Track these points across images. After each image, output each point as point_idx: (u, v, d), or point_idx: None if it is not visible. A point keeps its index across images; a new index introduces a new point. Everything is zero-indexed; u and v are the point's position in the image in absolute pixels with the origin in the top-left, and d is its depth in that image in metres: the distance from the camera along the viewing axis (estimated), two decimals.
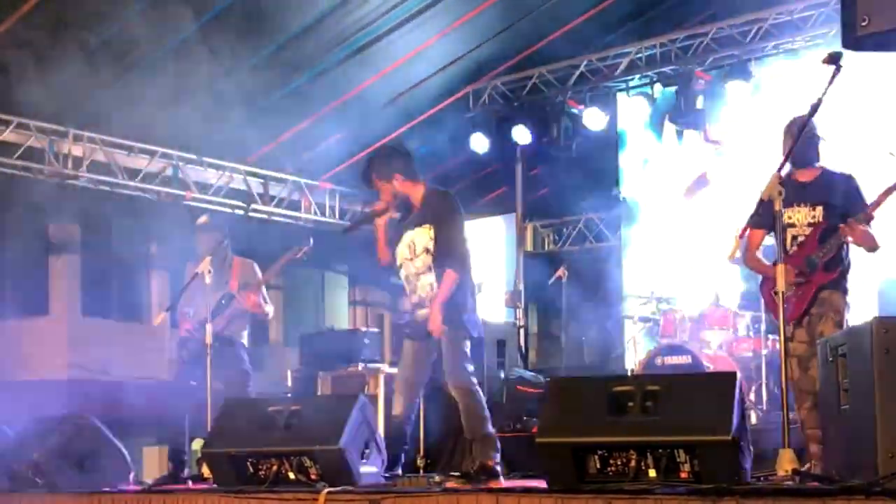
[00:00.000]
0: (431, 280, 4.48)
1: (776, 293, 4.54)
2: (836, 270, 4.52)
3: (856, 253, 4.63)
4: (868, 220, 4.47)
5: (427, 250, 4.47)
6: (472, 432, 4.46)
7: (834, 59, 3.78)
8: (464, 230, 4.54)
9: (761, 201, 4.41)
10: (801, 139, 4.39)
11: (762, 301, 6.32)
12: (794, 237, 4.61)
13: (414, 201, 4.54)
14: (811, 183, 4.61)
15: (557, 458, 3.46)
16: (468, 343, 4.50)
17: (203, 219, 5.81)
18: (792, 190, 4.62)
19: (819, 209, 4.55)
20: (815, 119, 4.13)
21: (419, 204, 4.53)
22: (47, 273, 9.88)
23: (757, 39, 7.96)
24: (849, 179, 4.64)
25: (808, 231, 4.56)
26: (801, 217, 4.59)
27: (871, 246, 4.53)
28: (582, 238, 10.72)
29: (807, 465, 4.21)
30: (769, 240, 4.74)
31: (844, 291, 4.55)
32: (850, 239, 4.46)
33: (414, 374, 4.62)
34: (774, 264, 4.60)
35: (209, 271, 5.19)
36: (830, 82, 3.80)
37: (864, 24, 3.44)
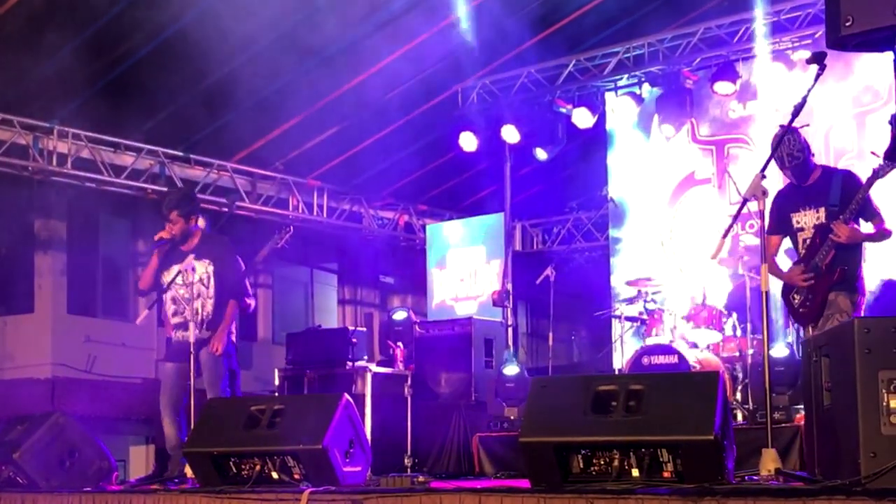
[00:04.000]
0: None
1: (792, 296, 4.59)
2: (836, 271, 4.52)
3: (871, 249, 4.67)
4: (864, 215, 4.47)
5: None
6: None
7: (818, 58, 3.78)
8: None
9: (771, 210, 4.46)
10: (792, 157, 4.45)
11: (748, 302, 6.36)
12: (804, 240, 4.64)
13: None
14: (812, 185, 4.66)
15: (540, 457, 3.46)
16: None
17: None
18: (797, 195, 4.67)
19: (822, 211, 4.59)
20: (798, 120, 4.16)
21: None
22: (33, 270, 9.81)
23: (744, 39, 7.98)
24: (845, 177, 4.67)
25: (813, 234, 4.60)
26: (809, 220, 4.66)
27: (865, 240, 4.56)
28: (570, 237, 10.73)
29: None
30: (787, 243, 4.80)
31: (852, 291, 4.56)
32: (839, 239, 4.47)
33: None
34: (790, 269, 4.64)
35: (192, 269, 5.17)
36: (814, 82, 3.80)
37: (847, 24, 3.46)
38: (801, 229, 4.67)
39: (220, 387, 5.28)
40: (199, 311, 5.29)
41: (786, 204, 4.72)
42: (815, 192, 4.63)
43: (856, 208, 4.47)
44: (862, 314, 4.51)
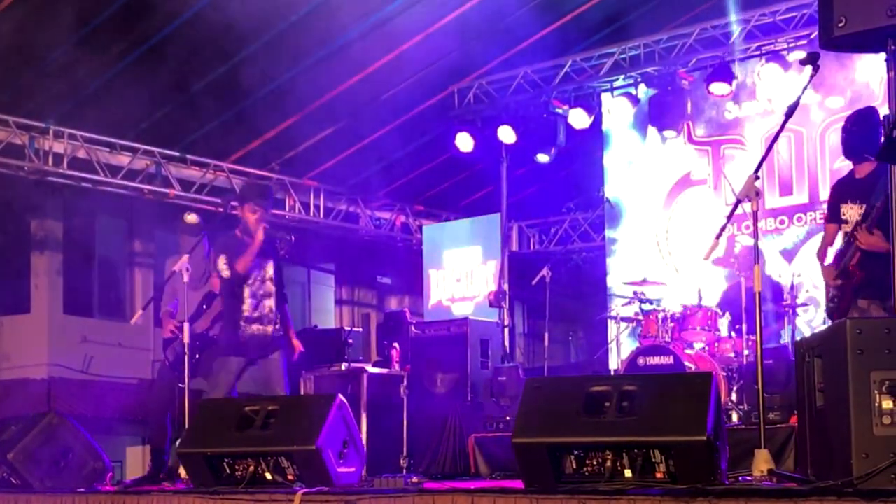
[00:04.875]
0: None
1: (828, 293, 4.51)
2: (858, 276, 4.44)
3: None
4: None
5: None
6: None
7: (812, 59, 3.78)
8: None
9: (829, 198, 4.33)
10: (859, 131, 4.36)
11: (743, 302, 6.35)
12: (846, 234, 4.57)
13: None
14: (863, 179, 4.56)
15: (533, 458, 3.46)
16: None
17: (192, 217, 5.82)
18: (848, 186, 4.60)
19: (864, 207, 4.49)
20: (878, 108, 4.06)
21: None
22: (29, 271, 9.80)
23: (740, 40, 7.98)
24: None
25: (851, 230, 4.52)
26: (853, 214, 4.56)
27: (882, 250, 4.23)
28: (567, 238, 10.74)
29: None
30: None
31: (884, 299, 4.25)
32: (861, 244, 4.40)
33: None
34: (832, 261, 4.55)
35: (187, 269, 5.17)
36: (808, 82, 3.80)
37: (840, 24, 3.46)
38: (846, 222, 4.58)
39: (284, 384, 5.30)
40: (273, 308, 5.32)
41: (839, 193, 4.67)
42: (864, 186, 4.52)
43: (876, 216, 4.34)
44: None
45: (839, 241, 4.74)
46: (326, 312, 11.86)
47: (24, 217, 9.63)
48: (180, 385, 5.41)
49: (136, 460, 10.01)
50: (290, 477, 4.09)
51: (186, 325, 5.19)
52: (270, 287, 5.36)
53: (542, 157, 8.86)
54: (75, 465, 4.89)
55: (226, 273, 5.23)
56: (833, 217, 4.69)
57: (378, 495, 3.67)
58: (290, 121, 9.25)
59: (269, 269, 5.37)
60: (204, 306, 5.68)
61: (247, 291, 5.27)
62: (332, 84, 8.86)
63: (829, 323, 4.64)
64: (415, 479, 4.34)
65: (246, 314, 5.28)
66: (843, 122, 4.60)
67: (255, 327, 5.27)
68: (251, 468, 4.12)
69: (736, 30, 7.86)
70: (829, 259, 4.74)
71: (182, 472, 4.58)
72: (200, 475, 4.25)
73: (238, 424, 4.22)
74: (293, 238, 5.89)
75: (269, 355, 5.30)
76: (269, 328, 5.30)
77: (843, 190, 4.68)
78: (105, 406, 9.18)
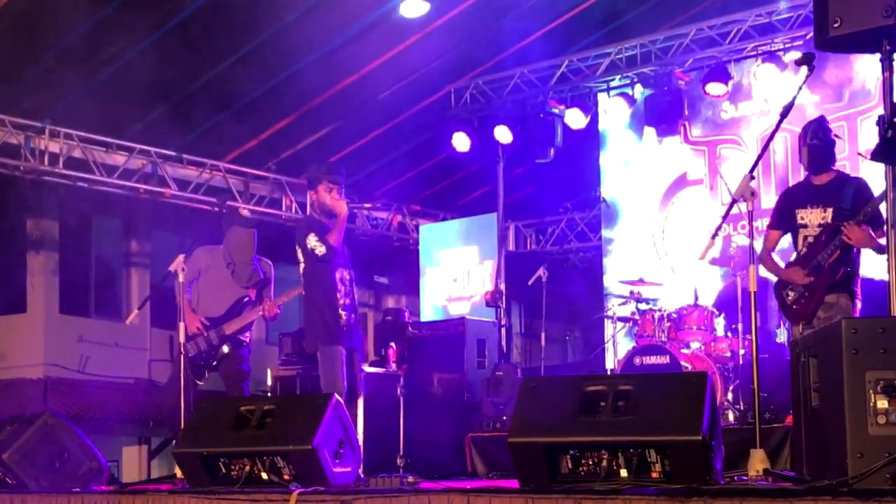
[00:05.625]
0: None
1: (785, 292, 4.59)
2: (839, 272, 4.52)
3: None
4: (877, 221, 4.45)
5: None
6: None
7: (807, 59, 3.79)
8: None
9: (777, 205, 4.45)
10: (821, 142, 4.46)
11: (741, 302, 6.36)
12: (805, 238, 4.64)
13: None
14: (825, 185, 4.66)
15: (529, 457, 3.46)
16: None
17: (244, 211, 5.79)
18: (806, 192, 4.69)
19: (829, 211, 4.59)
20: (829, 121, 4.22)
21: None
22: (25, 270, 9.79)
23: (736, 41, 7.99)
24: (861, 184, 4.68)
25: (818, 232, 4.60)
26: (813, 218, 4.65)
27: (875, 247, 4.54)
28: (564, 238, 10.75)
29: None
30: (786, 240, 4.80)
31: (852, 294, 4.58)
32: (850, 240, 4.47)
33: None
34: (788, 266, 4.65)
35: (182, 269, 5.15)
36: (804, 83, 3.81)
37: (836, 25, 3.47)
38: (805, 226, 4.65)
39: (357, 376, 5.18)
40: (355, 295, 5.15)
41: (793, 199, 4.73)
42: (827, 192, 4.62)
43: (870, 212, 4.46)
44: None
45: (785, 244, 4.85)
46: None
47: (20, 217, 9.64)
48: (199, 383, 5.41)
49: (133, 460, 10.01)
50: (286, 477, 4.08)
51: (181, 325, 5.17)
52: (350, 273, 5.17)
53: (544, 160, 8.87)
54: (71, 465, 4.88)
55: (320, 249, 4.96)
56: (780, 223, 4.73)
57: (374, 495, 3.67)
58: (286, 120, 9.26)
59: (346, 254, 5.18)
60: (244, 303, 5.53)
61: (336, 276, 5.04)
62: (328, 84, 8.86)
63: (788, 325, 4.71)
64: (411, 479, 4.33)
65: (341, 301, 5.05)
66: (803, 134, 4.62)
67: (352, 316, 5.08)
68: (247, 468, 4.11)
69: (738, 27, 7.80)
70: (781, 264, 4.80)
71: (178, 471, 4.58)
72: (196, 475, 4.24)
73: (234, 424, 4.22)
74: None
75: (357, 345, 5.15)
76: (354, 316, 5.11)
77: (800, 196, 4.75)
78: (101, 406, 9.17)
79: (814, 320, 4.59)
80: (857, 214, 4.49)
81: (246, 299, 5.59)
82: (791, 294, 4.67)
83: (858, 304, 4.63)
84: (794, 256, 4.75)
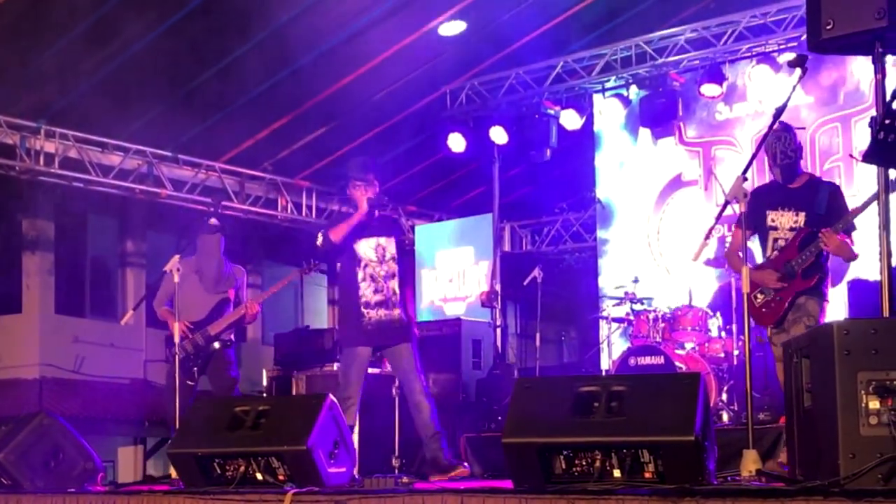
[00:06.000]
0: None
1: (755, 295, 4.62)
2: (815, 277, 4.56)
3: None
4: (848, 229, 4.50)
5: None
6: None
7: (800, 61, 3.81)
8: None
9: (750, 205, 4.46)
10: (784, 155, 4.48)
11: (734, 302, 6.39)
12: (776, 240, 4.65)
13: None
14: (797, 189, 4.66)
15: (523, 458, 3.47)
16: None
17: (212, 220, 5.88)
18: (778, 194, 4.69)
19: (802, 215, 4.59)
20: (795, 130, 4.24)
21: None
22: (20, 270, 9.78)
23: (731, 42, 8.01)
24: (833, 190, 4.70)
25: (789, 236, 4.61)
26: (785, 221, 4.65)
27: (848, 256, 4.58)
28: (559, 238, 10.77)
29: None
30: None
31: (821, 297, 4.60)
32: (827, 247, 4.49)
33: None
34: (757, 268, 4.67)
35: (177, 269, 5.18)
36: (796, 85, 3.83)
37: (828, 27, 3.48)
38: (775, 228, 4.65)
39: (419, 374, 5.01)
40: (396, 290, 4.93)
41: (763, 201, 4.70)
42: (799, 196, 4.64)
43: (850, 220, 4.48)
44: (825, 320, 4.53)
45: (754, 246, 4.84)
46: (319, 312, 11.86)
47: (15, 217, 9.62)
48: (189, 383, 5.48)
49: (128, 461, 10.00)
50: (280, 477, 4.08)
51: (177, 325, 5.19)
52: (393, 266, 4.95)
53: (539, 160, 8.89)
54: (66, 465, 4.88)
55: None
56: (748, 223, 4.69)
57: (368, 495, 3.67)
58: (281, 121, 9.25)
59: (391, 248, 4.98)
60: (221, 305, 5.69)
61: (360, 274, 4.90)
62: (324, 84, 8.87)
63: (756, 327, 4.71)
64: (405, 479, 4.34)
65: (365, 299, 4.87)
66: (772, 156, 4.62)
67: (381, 312, 4.88)
68: (242, 468, 4.11)
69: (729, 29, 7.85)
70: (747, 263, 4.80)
71: (172, 472, 4.58)
72: (191, 475, 4.25)
73: (228, 424, 4.22)
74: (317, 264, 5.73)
75: (398, 343, 4.93)
76: (396, 311, 4.89)
77: (772, 197, 4.72)
78: (96, 406, 9.16)
79: (783, 322, 4.59)
80: (831, 220, 4.49)
81: (225, 301, 5.72)
82: (760, 297, 4.64)
83: (826, 306, 4.64)
84: (762, 259, 4.74)
